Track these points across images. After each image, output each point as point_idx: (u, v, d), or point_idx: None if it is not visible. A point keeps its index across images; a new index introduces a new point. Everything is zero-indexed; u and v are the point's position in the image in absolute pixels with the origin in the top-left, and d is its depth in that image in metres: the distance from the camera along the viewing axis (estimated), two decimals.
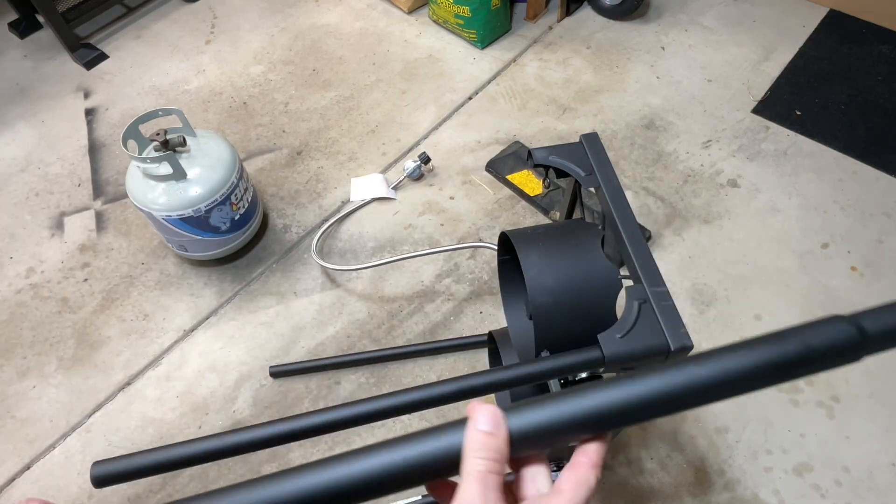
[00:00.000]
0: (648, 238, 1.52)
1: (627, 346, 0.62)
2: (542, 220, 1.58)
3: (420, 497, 1.16)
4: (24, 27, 2.08)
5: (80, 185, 1.70)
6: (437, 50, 1.99)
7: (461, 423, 0.34)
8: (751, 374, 0.34)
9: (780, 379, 0.35)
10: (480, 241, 1.53)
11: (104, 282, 1.51)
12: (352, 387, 1.33)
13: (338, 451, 1.29)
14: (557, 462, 1.06)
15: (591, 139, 0.79)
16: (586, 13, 2.06)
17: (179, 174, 1.28)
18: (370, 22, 2.08)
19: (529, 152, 0.78)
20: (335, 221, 1.59)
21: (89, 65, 1.99)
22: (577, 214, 0.93)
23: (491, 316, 1.42)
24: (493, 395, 1.27)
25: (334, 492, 0.33)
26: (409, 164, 1.63)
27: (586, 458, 0.35)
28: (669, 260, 1.49)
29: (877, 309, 0.35)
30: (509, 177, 1.63)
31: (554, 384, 0.68)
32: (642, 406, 0.34)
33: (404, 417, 1.27)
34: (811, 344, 0.34)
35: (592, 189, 0.76)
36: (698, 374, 0.34)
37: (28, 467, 1.26)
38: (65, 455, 1.27)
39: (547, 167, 0.78)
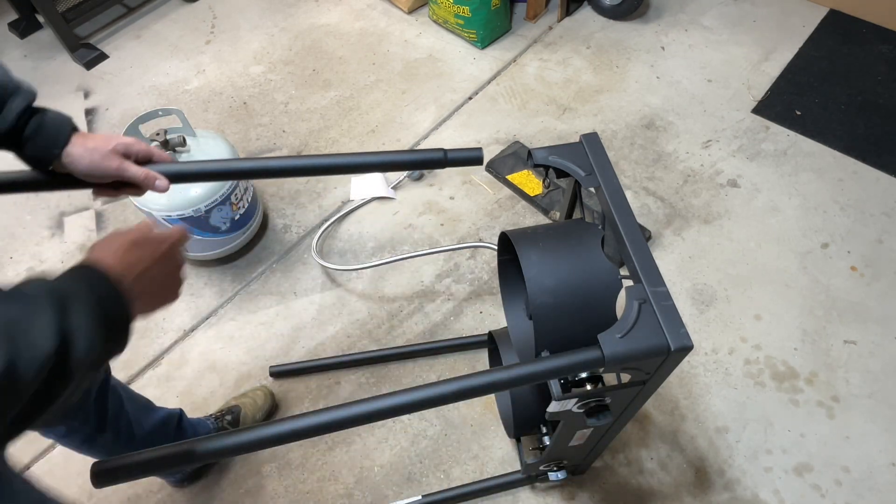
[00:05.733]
0: (648, 238, 1.52)
1: (627, 345, 0.62)
2: (542, 220, 1.58)
3: (420, 497, 1.16)
4: (24, 27, 2.08)
5: None
6: (437, 50, 1.99)
7: None
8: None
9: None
10: (480, 241, 1.53)
11: None
12: (352, 387, 1.33)
13: (337, 451, 1.28)
14: (557, 462, 1.06)
15: (591, 139, 0.79)
16: (586, 13, 2.06)
17: None
18: (370, 22, 2.08)
19: (529, 152, 0.78)
20: (335, 221, 1.59)
21: (89, 65, 1.99)
22: (577, 214, 0.93)
23: (491, 316, 1.42)
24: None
25: None
26: None
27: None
28: (669, 260, 1.49)
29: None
30: (509, 177, 1.63)
31: (554, 384, 0.68)
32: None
33: (404, 417, 1.27)
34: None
35: (592, 189, 0.76)
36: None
37: (28, 467, 1.26)
38: (65, 455, 1.27)
39: (547, 167, 0.78)
